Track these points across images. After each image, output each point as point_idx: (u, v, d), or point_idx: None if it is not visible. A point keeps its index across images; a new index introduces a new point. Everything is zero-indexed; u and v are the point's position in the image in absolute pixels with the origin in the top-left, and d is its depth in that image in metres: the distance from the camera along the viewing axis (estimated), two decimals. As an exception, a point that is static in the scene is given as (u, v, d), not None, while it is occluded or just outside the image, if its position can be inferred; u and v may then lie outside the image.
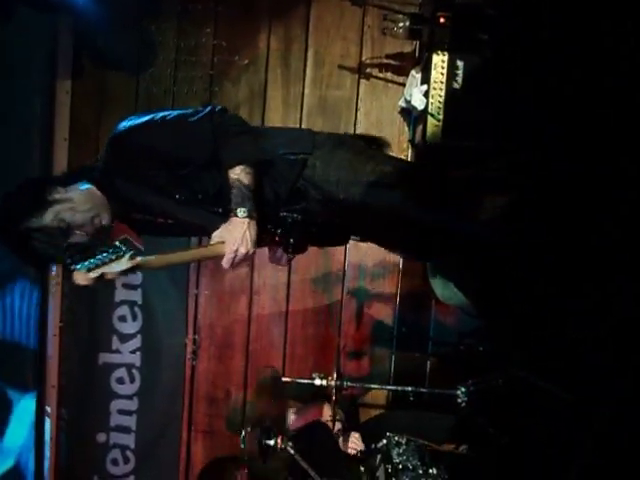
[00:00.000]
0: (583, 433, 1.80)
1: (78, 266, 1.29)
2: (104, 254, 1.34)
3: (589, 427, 1.78)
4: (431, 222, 1.72)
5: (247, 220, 1.56)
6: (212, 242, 1.58)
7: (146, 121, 1.63)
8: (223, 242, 1.57)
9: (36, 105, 2.74)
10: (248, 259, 1.60)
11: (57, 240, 1.54)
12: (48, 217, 1.55)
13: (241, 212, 1.56)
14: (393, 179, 1.72)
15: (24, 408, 2.87)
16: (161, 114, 1.65)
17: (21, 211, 1.54)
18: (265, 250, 1.92)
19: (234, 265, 1.58)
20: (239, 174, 1.56)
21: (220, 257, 1.57)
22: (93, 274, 1.32)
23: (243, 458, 2.43)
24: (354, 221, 1.82)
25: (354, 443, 2.32)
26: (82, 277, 1.32)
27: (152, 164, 1.61)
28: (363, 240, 2.17)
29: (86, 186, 1.65)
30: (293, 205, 1.72)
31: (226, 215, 1.59)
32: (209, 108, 1.63)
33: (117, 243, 1.37)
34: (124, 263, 1.36)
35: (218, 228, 1.60)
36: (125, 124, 1.64)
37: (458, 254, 1.78)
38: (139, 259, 1.40)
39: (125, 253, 1.36)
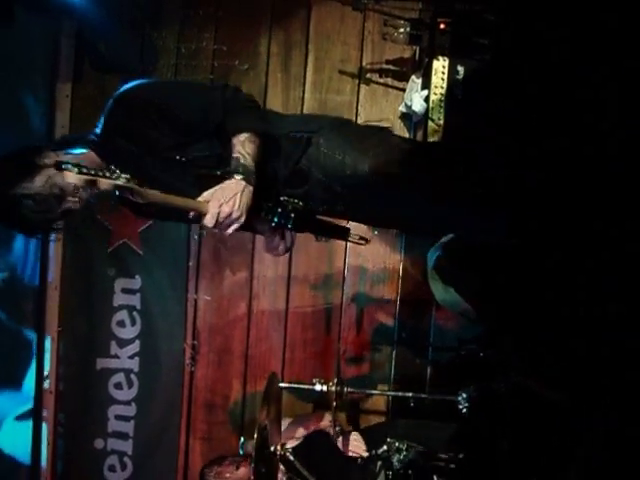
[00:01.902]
0: (583, 439, 1.79)
1: (70, 166, 1.25)
2: (99, 172, 1.32)
3: (589, 434, 1.77)
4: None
5: (243, 183, 1.50)
6: (202, 198, 1.50)
7: (159, 80, 1.63)
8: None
9: (36, 108, 2.74)
10: (234, 223, 1.51)
11: (49, 207, 1.48)
12: (39, 182, 1.47)
13: (238, 174, 1.50)
14: (403, 149, 1.68)
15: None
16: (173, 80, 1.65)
17: (10, 176, 1.47)
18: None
19: (217, 225, 1.48)
20: (243, 141, 1.53)
21: (205, 213, 1.48)
22: (85, 177, 1.29)
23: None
24: (359, 203, 1.74)
25: (355, 443, 2.30)
26: (73, 176, 1.29)
27: (158, 124, 1.55)
28: (367, 224, 2.13)
29: (81, 150, 1.58)
30: (294, 188, 1.67)
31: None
32: (222, 82, 1.66)
33: (115, 168, 1.35)
34: (119, 180, 1.33)
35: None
36: (137, 82, 1.61)
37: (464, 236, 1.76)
38: (133, 183, 1.35)
39: (121, 175, 1.34)
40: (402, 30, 2.44)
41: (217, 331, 2.93)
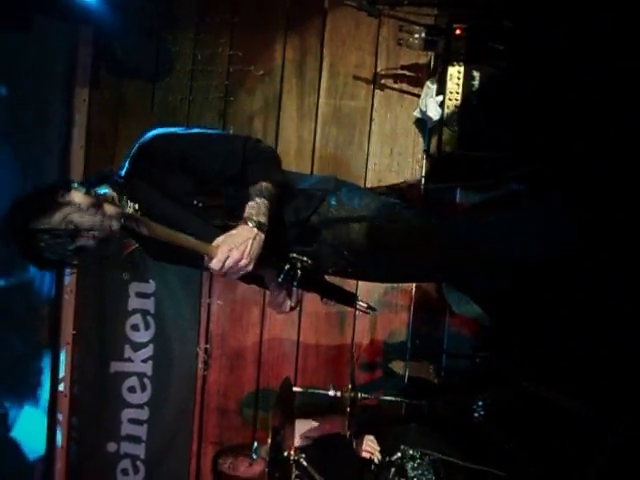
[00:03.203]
0: (599, 446, 1.77)
1: (76, 185, 1.26)
2: (108, 197, 1.35)
3: (605, 440, 1.75)
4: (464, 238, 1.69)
5: (255, 230, 1.50)
6: (213, 243, 1.50)
7: (183, 130, 1.67)
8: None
9: (54, 113, 2.77)
10: (242, 270, 1.50)
11: (63, 243, 1.51)
12: (57, 218, 1.51)
13: (251, 222, 1.50)
14: (415, 227, 1.71)
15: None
16: (196, 129, 1.70)
17: (30, 210, 1.52)
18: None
19: (224, 270, 1.48)
20: (261, 189, 1.55)
21: (213, 256, 1.48)
22: (92, 198, 1.29)
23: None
24: (369, 269, 1.78)
25: (369, 445, 2.29)
26: (79, 196, 1.30)
27: (178, 172, 1.60)
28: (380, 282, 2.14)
29: (103, 191, 1.62)
30: (304, 246, 1.69)
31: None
32: (245, 135, 1.68)
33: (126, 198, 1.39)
34: (125, 208, 1.35)
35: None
36: (160, 131, 1.66)
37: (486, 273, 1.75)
38: (140, 214, 1.36)
39: (129, 204, 1.36)
40: (417, 36, 2.43)
41: (230, 336, 2.93)
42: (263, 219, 1.51)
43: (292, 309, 1.76)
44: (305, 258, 1.65)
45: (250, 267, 1.49)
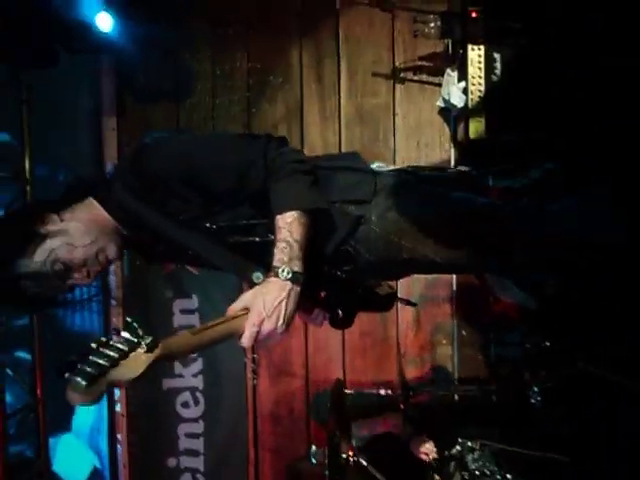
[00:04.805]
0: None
1: (78, 379, 0.81)
2: (112, 351, 0.87)
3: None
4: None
5: (289, 284, 1.16)
6: (236, 307, 1.16)
7: (189, 135, 1.47)
8: (247, 312, 1.15)
9: (84, 143, 2.86)
10: (276, 338, 1.17)
11: (53, 284, 1.26)
12: (39, 257, 1.23)
13: (284, 273, 1.16)
14: (470, 222, 1.40)
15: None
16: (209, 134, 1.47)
17: (4, 253, 1.23)
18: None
19: (257, 343, 1.16)
20: (291, 223, 1.20)
21: (241, 331, 1.14)
22: (98, 386, 0.83)
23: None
24: (414, 266, 1.50)
25: (426, 446, 2.27)
26: (82, 396, 0.82)
27: (180, 194, 1.27)
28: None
29: (87, 209, 1.31)
30: (339, 265, 1.41)
31: (257, 257, 1.27)
32: (265, 135, 1.32)
33: (126, 334, 0.92)
34: (141, 360, 0.90)
35: (240, 271, 1.29)
36: (155, 144, 1.39)
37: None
38: (158, 348, 0.93)
39: (141, 341, 0.91)
40: (432, 25, 2.42)
41: (275, 343, 2.95)
42: (298, 266, 1.18)
43: (322, 322, 1.51)
44: (339, 273, 1.40)
45: (283, 330, 1.18)
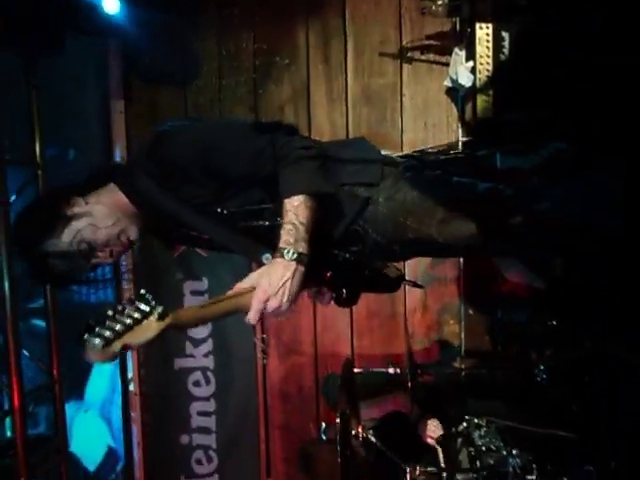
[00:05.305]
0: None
1: (96, 341, 0.92)
2: (126, 318, 0.97)
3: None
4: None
5: (294, 265, 1.24)
6: (243, 285, 1.25)
7: (204, 123, 1.51)
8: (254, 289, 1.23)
9: (93, 127, 2.87)
10: (281, 314, 1.27)
11: (78, 262, 1.35)
12: (66, 237, 1.33)
13: (289, 254, 1.24)
14: (476, 205, 1.46)
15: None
16: (214, 123, 1.54)
17: (35, 230, 1.33)
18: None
19: (263, 318, 1.32)
20: (297, 207, 1.27)
21: (248, 308, 1.23)
22: (113, 348, 0.93)
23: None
24: (422, 248, 1.56)
25: (432, 430, 2.30)
26: (98, 355, 0.92)
27: (195, 180, 1.36)
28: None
29: (109, 194, 1.41)
30: (347, 247, 1.47)
31: (264, 240, 1.35)
32: (274, 123, 1.40)
33: (140, 303, 1.00)
34: (152, 327, 0.99)
35: (250, 253, 1.38)
36: (171, 134, 1.43)
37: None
38: (169, 317, 1.02)
39: (153, 310, 1.00)
40: (440, 2, 2.39)
41: (285, 323, 3.00)
42: (302, 247, 1.25)
43: (330, 301, 1.56)
44: (348, 255, 1.47)
45: (287, 308, 1.26)
